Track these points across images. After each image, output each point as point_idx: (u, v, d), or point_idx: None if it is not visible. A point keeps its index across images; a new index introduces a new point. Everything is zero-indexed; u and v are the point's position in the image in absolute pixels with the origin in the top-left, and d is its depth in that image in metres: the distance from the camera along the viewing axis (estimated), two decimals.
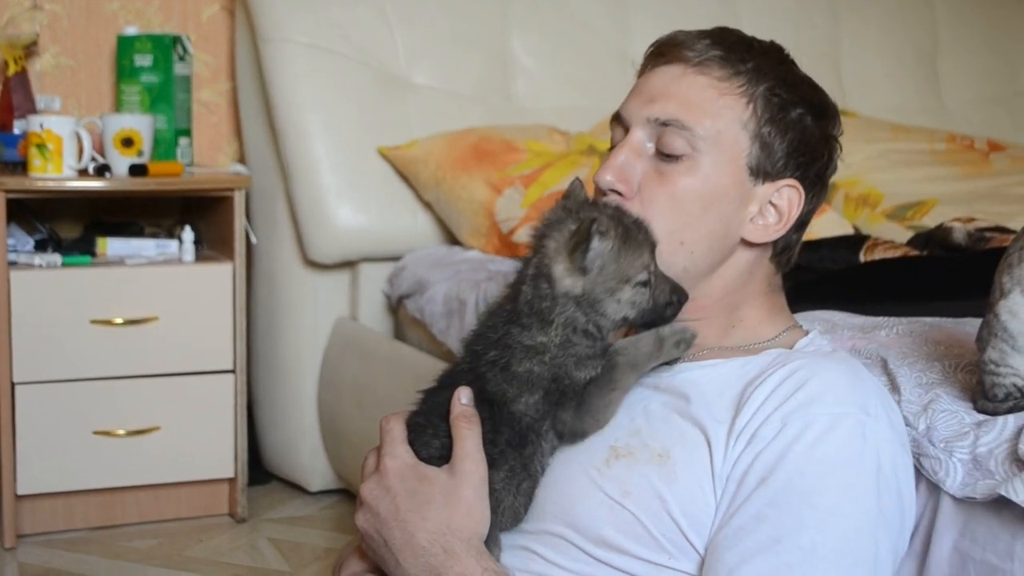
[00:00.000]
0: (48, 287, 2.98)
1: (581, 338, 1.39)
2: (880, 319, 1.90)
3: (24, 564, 2.88)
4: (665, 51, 1.55)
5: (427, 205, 3.20)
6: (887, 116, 3.66)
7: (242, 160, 3.52)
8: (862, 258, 2.40)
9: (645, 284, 1.40)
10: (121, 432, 3.03)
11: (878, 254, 2.41)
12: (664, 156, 1.49)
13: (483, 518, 1.38)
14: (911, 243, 2.64)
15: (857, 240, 2.48)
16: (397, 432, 1.45)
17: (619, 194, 1.49)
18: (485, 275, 2.83)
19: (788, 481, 1.33)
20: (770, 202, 1.53)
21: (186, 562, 2.91)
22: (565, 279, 1.38)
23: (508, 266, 2.88)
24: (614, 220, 1.40)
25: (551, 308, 1.38)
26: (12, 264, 2.97)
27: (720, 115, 1.49)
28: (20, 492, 2.97)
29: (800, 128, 1.52)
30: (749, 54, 1.52)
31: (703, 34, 1.55)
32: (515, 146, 3.13)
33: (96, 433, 3.01)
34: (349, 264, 3.26)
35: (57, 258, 3.03)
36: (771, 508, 1.32)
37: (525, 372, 1.39)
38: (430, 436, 1.44)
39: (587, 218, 1.37)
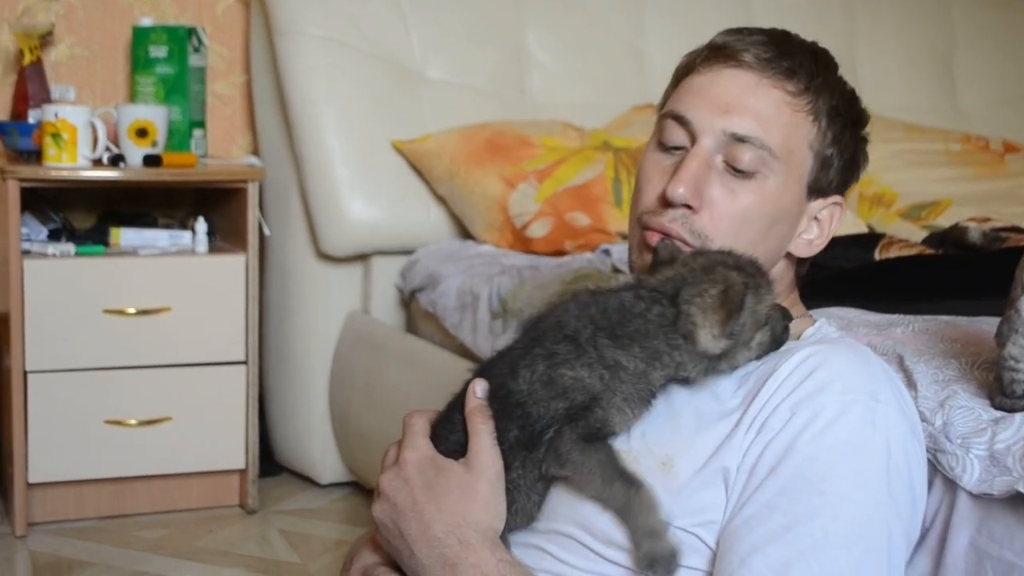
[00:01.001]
0: (61, 276, 2.98)
1: (662, 376, 1.38)
2: (895, 316, 1.90)
3: (35, 552, 2.89)
4: (732, 54, 1.49)
5: (440, 199, 3.20)
6: (902, 116, 3.65)
7: (256, 152, 3.53)
8: (877, 256, 2.39)
9: (767, 322, 1.39)
10: (132, 422, 3.04)
11: (893, 252, 2.40)
12: (734, 171, 1.46)
13: (499, 512, 1.38)
14: (926, 242, 2.63)
15: (872, 238, 2.47)
16: (419, 426, 1.45)
17: (688, 207, 1.46)
18: (498, 269, 2.83)
19: (798, 469, 1.32)
20: (815, 217, 1.53)
21: (196, 552, 2.91)
22: (709, 342, 1.35)
23: (521, 261, 2.88)
24: (740, 271, 1.37)
25: (671, 354, 1.36)
26: (26, 253, 2.98)
27: (792, 133, 1.47)
28: (31, 480, 2.98)
29: (853, 146, 1.53)
30: (816, 67, 1.50)
31: (770, 39, 1.51)
32: (529, 141, 3.13)
33: (107, 422, 3.02)
34: (362, 257, 3.26)
35: (71, 247, 3.03)
36: (781, 497, 1.31)
37: (573, 378, 1.36)
38: (447, 430, 1.43)
39: (731, 282, 1.35)
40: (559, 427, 1.36)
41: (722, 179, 1.46)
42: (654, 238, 1.46)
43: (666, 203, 1.47)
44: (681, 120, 1.49)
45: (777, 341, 1.40)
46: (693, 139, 1.48)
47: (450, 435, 1.43)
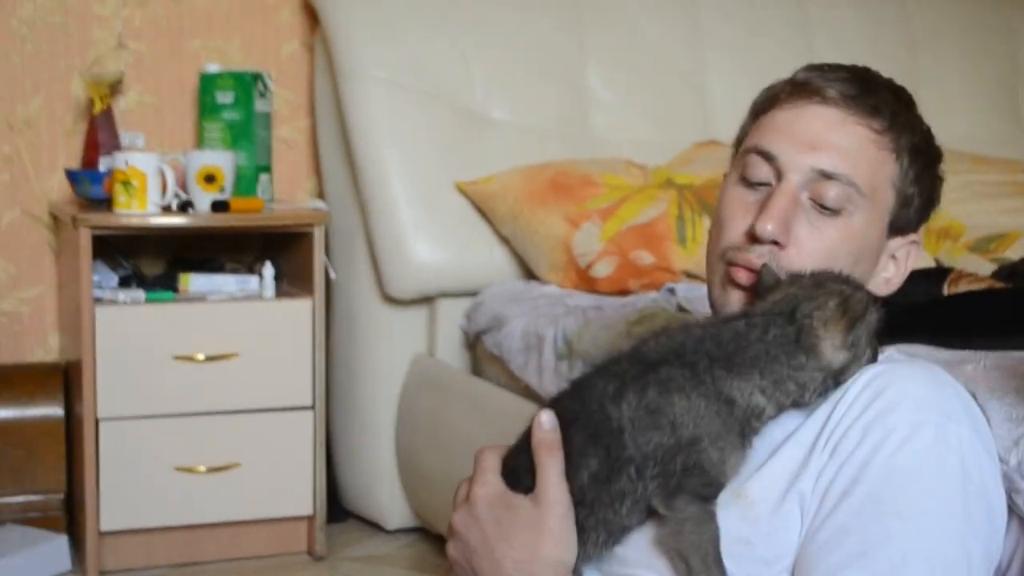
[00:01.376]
0: (132, 323, 3.01)
1: (778, 404, 1.36)
2: (966, 352, 1.88)
3: None
4: (816, 90, 1.50)
5: (504, 240, 3.21)
6: (966, 147, 3.61)
7: (321, 196, 3.55)
8: (946, 291, 2.36)
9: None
10: (202, 469, 3.06)
11: (962, 287, 2.37)
12: (820, 207, 1.46)
13: (569, 546, 1.36)
14: (995, 275, 2.60)
15: (940, 273, 2.44)
16: (490, 462, 1.44)
17: (777, 244, 1.45)
18: (563, 310, 2.82)
19: (871, 491, 1.30)
20: (892, 255, 1.53)
21: None
22: (832, 354, 1.35)
23: (586, 301, 2.88)
24: (848, 284, 1.38)
25: (796, 376, 1.35)
26: (97, 300, 3.01)
27: (877, 171, 1.47)
28: (103, 528, 3.00)
29: (931, 185, 1.53)
30: (898, 104, 1.50)
31: (853, 75, 1.51)
32: (592, 180, 3.13)
33: (178, 469, 3.04)
34: (427, 300, 3.27)
35: (140, 294, 3.06)
36: (855, 520, 1.30)
37: (686, 409, 1.33)
38: (517, 465, 1.42)
39: (847, 292, 1.35)
40: (677, 482, 1.32)
41: (808, 216, 1.46)
42: (740, 274, 1.45)
43: (753, 239, 1.46)
44: (767, 156, 1.49)
45: (876, 355, 1.39)
46: (779, 175, 1.48)
47: (520, 470, 1.41)
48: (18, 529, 3.08)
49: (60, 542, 3.07)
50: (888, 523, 1.29)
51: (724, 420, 1.33)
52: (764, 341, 1.35)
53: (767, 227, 1.44)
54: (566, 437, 1.38)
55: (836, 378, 1.36)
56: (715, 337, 1.37)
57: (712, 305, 1.54)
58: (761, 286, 1.42)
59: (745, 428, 1.34)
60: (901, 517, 1.29)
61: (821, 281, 1.38)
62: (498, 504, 1.40)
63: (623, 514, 1.36)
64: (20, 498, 3.14)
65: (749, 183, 1.51)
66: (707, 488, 1.32)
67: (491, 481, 1.42)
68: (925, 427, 1.32)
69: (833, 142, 1.46)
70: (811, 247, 1.45)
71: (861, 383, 1.36)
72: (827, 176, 1.45)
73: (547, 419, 1.39)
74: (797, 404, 1.36)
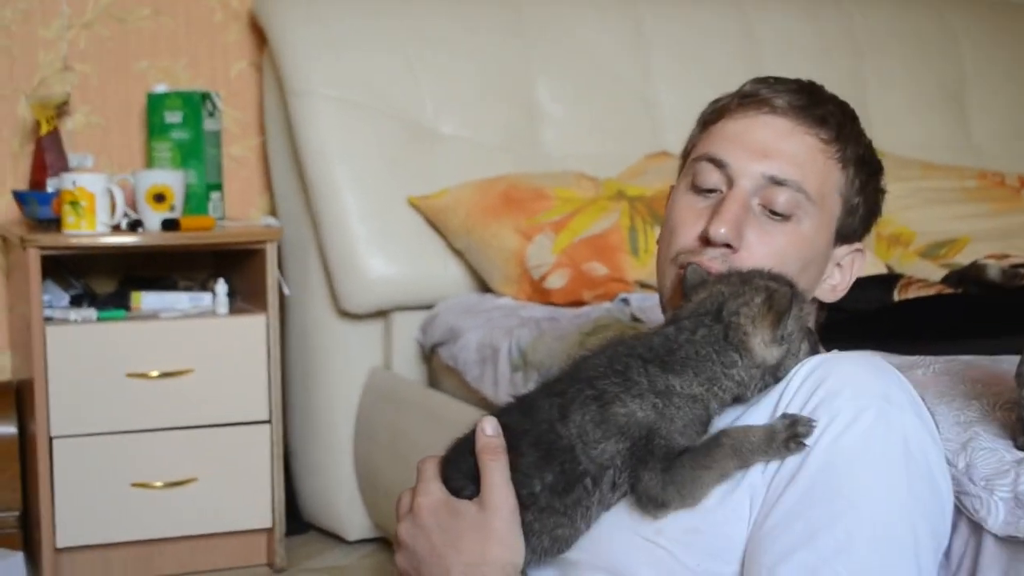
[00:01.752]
0: (84, 342, 3.00)
1: (720, 401, 1.38)
2: (916, 358, 1.90)
3: None
4: (765, 100, 1.54)
5: (458, 253, 3.22)
6: (915, 154, 3.65)
7: (273, 213, 3.55)
8: (896, 297, 2.39)
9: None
10: (159, 484, 3.05)
11: (912, 293, 2.40)
12: (771, 213, 1.50)
13: (517, 547, 1.38)
14: (945, 281, 2.63)
15: (891, 279, 2.47)
16: (430, 471, 1.46)
17: (729, 247, 1.48)
18: (517, 322, 2.84)
19: (816, 476, 1.32)
20: (838, 263, 1.57)
21: None
22: (763, 351, 1.36)
23: (540, 312, 2.89)
24: (776, 280, 1.39)
25: (729, 373, 1.36)
26: (48, 320, 3.00)
27: (825, 179, 1.51)
28: (59, 545, 2.98)
29: (875, 196, 1.58)
30: (844, 117, 1.55)
31: (800, 87, 1.56)
32: (544, 193, 3.14)
33: (134, 485, 3.03)
34: (382, 313, 3.27)
35: (92, 313, 3.05)
36: (802, 504, 1.32)
37: (625, 415, 1.35)
38: (454, 470, 1.44)
39: (775, 288, 1.37)
40: (634, 472, 1.35)
41: (759, 221, 1.50)
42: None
43: (706, 242, 1.49)
44: (718, 163, 1.53)
45: (815, 348, 1.42)
46: (730, 182, 1.51)
47: (461, 476, 1.43)
48: None
49: (16, 559, 3.06)
50: (833, 505, 1.31)
51: (662, 412, 1.35)
52: (693, 342, 1.37)
53: (720, 230, 1.47)
54: (516, 450, 1.40)
55: (774, 374, 1.38)
56: (647, 344, 1.39)
57: (664, 312, 1.56)
58: (687, 285, 1.44)
59: (697, 415, 1.36)
60: (846, 498, 1.31)
61: (747, 278, 1.40)
62: (442, 511, 1.42)
63: (576, 519, 1.39)
64: None
65: (700, 190, 1.54)
66: (664, 462, 1.35)
67: (433, 490, 1.44)
68: (867, 411, 1.34)
69: (783, 150, 1.50)
70: (762, 252, 1.48)
71: (803, 374, 1.38)
72: (777, 182, 1.49)
73: (490, 425, 1.41)
74: (739, 399, 1.39)
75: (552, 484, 1.38)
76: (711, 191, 1.53)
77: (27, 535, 3.15)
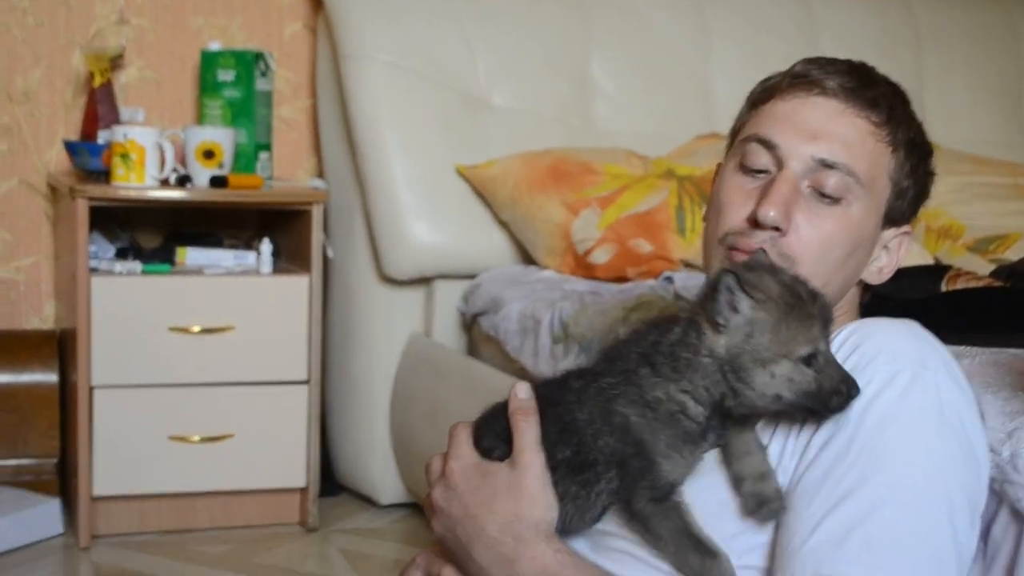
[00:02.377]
0: (128, 294, 3.02)
1: (701, 409, 1.34)
2: (962, 348, 1.88)
3: (98, 564, 2.93)
4: (816, 82, 1.52)
5: (503, 224, 3.22)
6: (970, 149, 3.62)
7: (321, 176, 3.56)
8: (944, 288, 2.37)
9: (809, 362, 1.31)
10: (196, 438, 3.07)
11: (960, 285, 2.38)
12: (820, 196, 1.48)
13: (549, 505, 1.39)
14: (993, 275, 2.61)
15: (939, 270, 2.45)
16: (462, 435, 1.47)
17: (778, 230, 1.47)
18: (560, 295, 2.83)
19: (850, 439, 1.32)
20: (885, 246, 1.56)
21: (256, 569, 2.93)
22: (710, 340, 1.33)
23: (583, 286, 2.89)
24: (783, 286, 1.33)
25: (690, 361, 1.33)
26: (93, 271, 3.02)
27: (875, 163, 1.50)
28: (96, 494, 3.02)
29: (924, 179, 1.57)
30: (895, 99, 1.53)
31: (851, 69, 1.54)
32: (592, 168, 3.14)
33: (171, 438, 3.05)
34: (424, 280, 3.28)
35: (137, 266, 3.07)
36: (836, 467, 1.32)
37: (621, 418, 1.35)
38: (487, 431, 1.45)
39: (720, 272, 1.32)
40: (631, 487, 1.35)
41: (808, 204, 1.48)
42: (742, 259, 1.46)
43: (754, 224, 1.48)
44: (768, 144, 1.51)
45: (823, 396, 1.30)
46: (780, 164, 1.50)
47: (494, 436, 1.44)
48: (11, 492, 3.10)
49: (53, 505, 3.09)
50: (867, 468, 1.31)
51: (651, 424, 1.34)
52: (680, 324, 1.36)
53: (769, 213, 1.46)
54: (546, 418, 1.41)
55: (738, 378, 1.32)
56: (639, 341, 1.39)
57: None
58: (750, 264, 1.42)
59: (686, 428, 1.34)
60: (880, 460, 1.31)
61: (760, 270, 1.37)
62: (473, 473, 1.43)
63: (591, 496, 1.40)
64: (13, 462, 3.16)
65: (748, 170, 1.53)
66: (656, 491, 1.34)
67: (465, 453, 1.46)
68: (902, 375, 1.34)
69: (833, 132, 1.49)
70: (810, 235, 1.47)
71: (837, 341, 1.38)
72: (827, 165, 1.48)
73: (523, 389, 1.43)
74: (721, 402, 1.35)
75: (569, 459, 1.39)
76: (760, 172, 1.52)
77: (64, 482, 3.18)
